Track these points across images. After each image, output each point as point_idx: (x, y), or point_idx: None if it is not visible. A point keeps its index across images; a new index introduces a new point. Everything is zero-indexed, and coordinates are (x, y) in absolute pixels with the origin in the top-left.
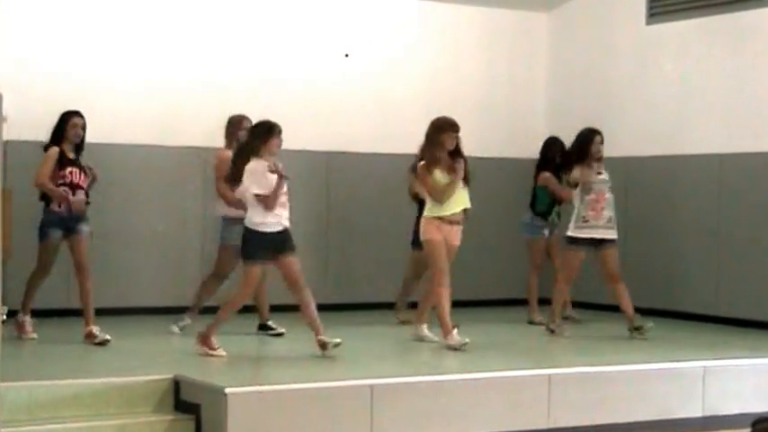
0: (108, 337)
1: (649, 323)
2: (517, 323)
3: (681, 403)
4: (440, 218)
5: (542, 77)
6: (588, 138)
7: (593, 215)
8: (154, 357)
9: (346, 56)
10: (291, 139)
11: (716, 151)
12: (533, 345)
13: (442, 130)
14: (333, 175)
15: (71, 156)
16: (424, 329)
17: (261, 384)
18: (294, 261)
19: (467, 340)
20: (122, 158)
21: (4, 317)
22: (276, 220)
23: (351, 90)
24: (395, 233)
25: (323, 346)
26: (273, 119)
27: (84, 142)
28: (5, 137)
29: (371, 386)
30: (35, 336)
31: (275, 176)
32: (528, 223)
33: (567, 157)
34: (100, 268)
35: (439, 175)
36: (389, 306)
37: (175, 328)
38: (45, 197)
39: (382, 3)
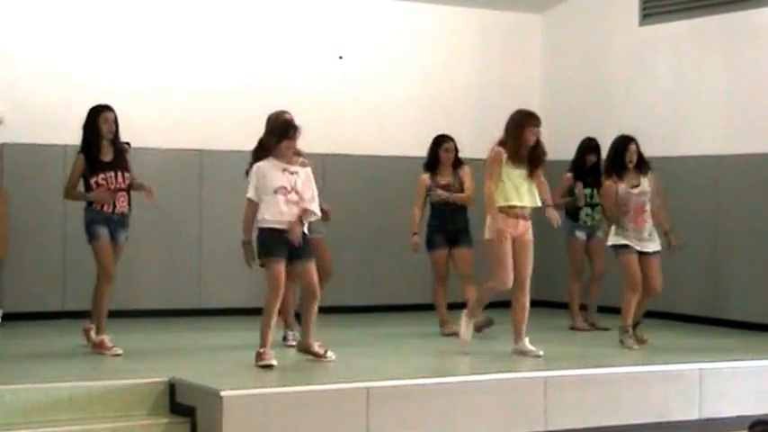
0: (120, 351)
1: (632, 344)
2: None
3: (678, 406)
4: (507, 209)
5: (536, 79)
6: (621, 145)
7: (635, 227)
8: (149, 360)
9: (340, 58)
10: None
11: (712, 153)
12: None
13: (522, 126)
14: (328, 177)
15: (106, 158)
16: (526, 343)
17: (256, 387)
18: (311, 267)
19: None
20: None
21: (0, 320)
22: (282, 218)
23: (346, 92)
24: (391, 235)
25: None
26: None
27: (119, 138)
28: (1, 139)
29: (368, 389)
30: (120, 351)
31: (287, 174)
32: (562, 226)
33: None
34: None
35: (509, 170)
36: (384, 309)
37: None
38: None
39: (376, 5)
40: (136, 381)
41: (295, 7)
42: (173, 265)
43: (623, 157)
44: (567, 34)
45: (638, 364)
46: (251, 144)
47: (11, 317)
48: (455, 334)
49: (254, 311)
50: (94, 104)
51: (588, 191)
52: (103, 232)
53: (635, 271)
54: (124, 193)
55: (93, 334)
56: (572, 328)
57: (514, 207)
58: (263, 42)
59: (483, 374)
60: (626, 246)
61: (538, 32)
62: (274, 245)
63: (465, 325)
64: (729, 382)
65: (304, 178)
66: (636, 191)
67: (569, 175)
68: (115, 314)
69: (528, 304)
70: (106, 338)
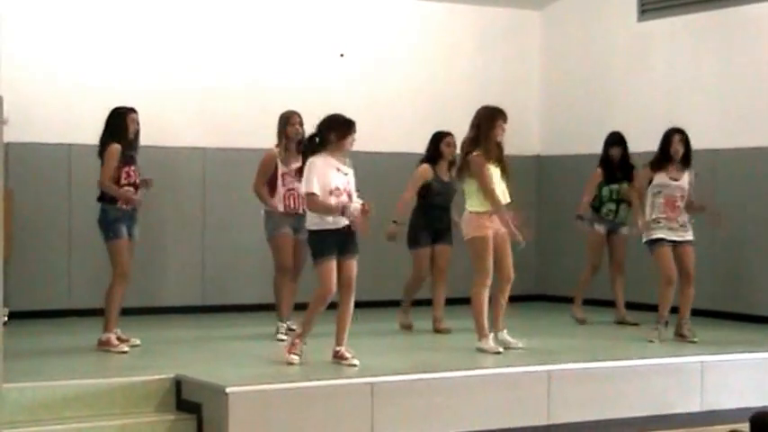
0: (126, 348)
1: (654, 336)
2: (515, 318)
3: (679, 398)
4: (488, 212)
5: (536, 75)
6: (666, 137)
7: (666, 218)
8: (155, 357)
9: (341, 56)
10: None
11: (709, 147)
12: (533, 341)
13: (494, 119)
14: None
15: (130, 153)
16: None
17: (262, 384)
18: (353, 264)
19: (501, 349)
20: None
21: (6, 318)
22: (335, 218)
23: (346, 89)
24: None
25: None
26: (269, 119)
27: (139, 140)
28: (6, 139)
29: (372, 384)
30: (130, 346)
31: (340, 175)
32: (586, 216)
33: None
34: (102, 268)
35: (491, 170)
36: (389, 304)
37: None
38: (105, 195)
39: (376, 2)
40: (142, 378)
41: (296, 5)
42: (178, 262)
43: (668, 149)
44: (566, 30)
45: (639, 358)
46: (253, 141)
47: (16, 315)
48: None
49: (260, 308)
50: (119, 105)
51: (616, 186)
52: (125, 232)
53: (668, 263)
54: (140, 192)
55: (114, 336)
56: (574, 318)
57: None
58: (265, 40)
59: (487, 369)
60: (659, 239)
61: (537, 29)
62: (327, 245)
63: (490, 342)
64: (731, 375)
65: (353, 179)
66: (675, 184)
67: (599, 171)
68: (121, 312)
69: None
70: (113, 336)
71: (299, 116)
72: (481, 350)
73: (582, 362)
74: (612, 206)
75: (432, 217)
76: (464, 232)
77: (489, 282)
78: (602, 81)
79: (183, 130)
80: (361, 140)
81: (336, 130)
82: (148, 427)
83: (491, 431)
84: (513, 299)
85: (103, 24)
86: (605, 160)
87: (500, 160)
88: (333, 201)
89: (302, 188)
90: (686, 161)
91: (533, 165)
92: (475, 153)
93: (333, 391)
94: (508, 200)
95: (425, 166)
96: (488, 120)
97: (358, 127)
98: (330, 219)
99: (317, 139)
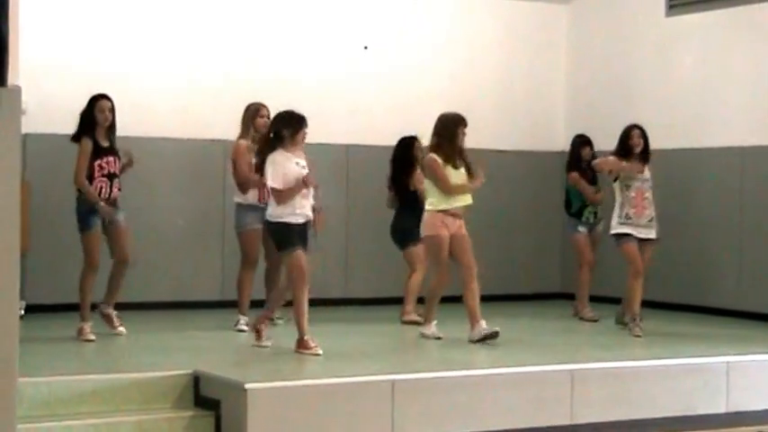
0: (124, 331)
1: (639, 332)
2: (539, 318)
3: (704, 399)
4: (446, 211)
5: (562, 70)
6: (626, 132)
7: (635, 213)
8: (173, 353)
9: (365, 48)
10: (311, 132)
11: (738, 144)
12: (556, 340)
13: (456, 125)
14: (352, 167)
15: (105, 144)
16: (483, 325)
17: (281, 380)
18: (304, 257)
19: (441, 336)
20: (143, 151)
21: (22, 312)
22: (301, 211)
23: (370, 82)
24: None
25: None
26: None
27: (116, 126)
28: (24, 130)
29: (393, 382)
30: (93, 338)
31: (300, 169)
32: (566, 223)
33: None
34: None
35: (450, 171)
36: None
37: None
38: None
39: None
40: (160, 373)
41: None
42: (196, 257)
43: (628, 143)
44: (593, 25)
45: (664, 357)
46: None
47: (34, 309)
48: (416, 323)
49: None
50: (94, 94)
51: (593, 189)
52: (97, 224)
53: (636, 257)
54: (117, 180)
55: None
56: (578, 317)
57: (455, 207)
58: (291, 33)
59: (509, 367)
60: (627, 234)
61: (564, 23)
62: (293, 235)
63: (432, 328)
64: (756, 376)
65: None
66: (642, 176)
67: (575, 174)
68: (139, 306)
69: (478, 289)
70: (87, 326)
71: (267, 109)
72: (423, 335)
73: (605, 361)
74: (592, 209)
75: (419, 213)
76: (421, 230)
77: (446, 277)
78: (629, 76)
79: (206, 123)
80: (385, 134)
81: (289, 126)
82: (166, 424)
83: (513, 431)
84: (538, 297)
85: (122, 15)
86: (578, 162)
87: (465, 164)
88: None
89: (267, 183)
90: (645, 156)
91: (559, 161)
92: (428, 156)
93: (353, 388)
94: (470, 202)
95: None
96: (449, 127)
97: (381, 120)
98: (291, 212)
99: (272, 136)
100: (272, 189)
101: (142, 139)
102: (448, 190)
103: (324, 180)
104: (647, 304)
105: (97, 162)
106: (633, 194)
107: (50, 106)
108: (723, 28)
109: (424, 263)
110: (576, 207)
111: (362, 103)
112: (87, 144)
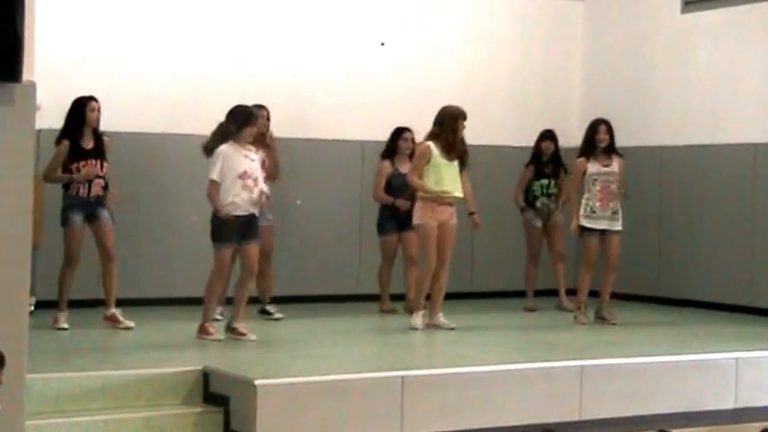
0: (132, 324)
1: (584, 320)
2: (550, 312)
3: (713, 395)
4: (435, 198)
5: (578, 66)
6: (592, 127)
7: (600, 206)
8: (183, 349)
9: (382, 44)
10: (326, 129)
11: (751, 141)
12: (564, 336)
13: (457, 118)
14: (367, 163)
15: (89, 146)
16: (441, 317)
17: (291, 376)
18: (255, 249)
19: (419, 327)
20: (154, 148)
21: (32, 307)
22: (240, 204)
23: (386, 79)
24: None
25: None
26: (310, 108)
27: (98, 128)
28: (39, 125)
29: (402, 378)
30: (66, 326)
31: (250, 162)
32: (523, 214)
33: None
34: (130, 258)
35: (441, 161)
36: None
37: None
38: (67, 183)
39: None
40: (169, 369)
41: None
42: (207, 253)
43: (594, 138)
44: (609, 22)
45: (673, 354)
46: (295, 131)
47: (44, 305)
48: (393, 311)
49: (290, 300)
50: (80, 95)
51: (546, 181)
52: (77, 219)
53: (592, 252)
54: (101, 180)
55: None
56: (526, 309)
57: (446, 194)
58: (307, 29)
59: (518, 363)
60: (590, 229)
61: (579, 20)
62: (225, 230)
63: (419, 318)
64: (766, 372)
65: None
66: (607, 170)
67: (531, 167)
68: (149, 302)
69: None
70: (62, 315)
71: (267, 110)
72: (413, 327)
73: (615, 357)
74: (545, 200)
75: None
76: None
77: (433, 267)
78: (644, 73)
79: (218, 120)
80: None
81: (235, 121)
82: (175, 420)
83: (522, 426)
84: (546, 293)
85: (138, 13)
86: (536, 155)
87: (461, 156)
88: (240, 184)
89: (209, 174)
90: (611, 150)
91: (574, 157)
92: (424, 143)
93: (363, 384)
94: (461, 195)
95: (385, 162)
96: (450, 119)
97: (397, 116)
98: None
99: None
100: (209, 180)
101: (158, 136)
102: (411, 181)
103: (338, 176)
104: (657, 300)
105: (75, 165)
106: (598, 188)
107: (65, 102)
108: (738, 25)
109: (389, 257)
110: (529, 198)
111: (378, 99)
112: (64, 146)
